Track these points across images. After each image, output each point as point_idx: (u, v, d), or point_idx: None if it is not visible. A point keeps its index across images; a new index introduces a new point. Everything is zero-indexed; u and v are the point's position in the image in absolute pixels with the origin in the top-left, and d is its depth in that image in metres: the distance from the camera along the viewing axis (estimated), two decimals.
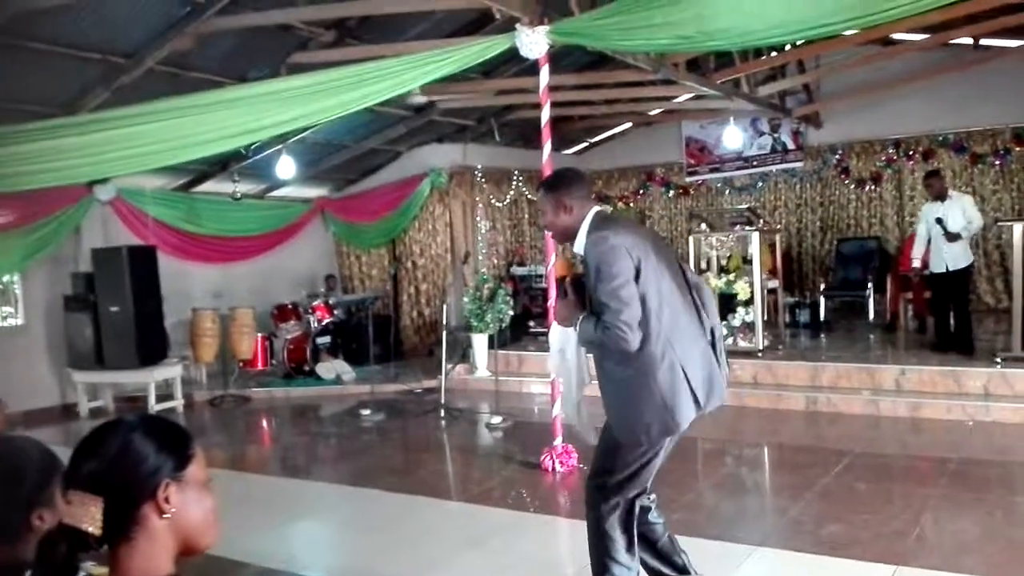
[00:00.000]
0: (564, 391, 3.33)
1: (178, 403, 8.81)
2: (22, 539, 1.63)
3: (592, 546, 3.06)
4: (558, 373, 3.26)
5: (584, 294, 2.93)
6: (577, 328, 2.89)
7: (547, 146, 5.76)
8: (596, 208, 3.05)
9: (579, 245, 2.99)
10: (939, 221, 7.37)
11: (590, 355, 3.11)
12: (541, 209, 3.08)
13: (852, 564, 3.66)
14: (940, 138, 10.66)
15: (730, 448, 6.24)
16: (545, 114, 5.81)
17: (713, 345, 2.98)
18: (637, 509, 3.02)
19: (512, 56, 6.66)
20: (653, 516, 3.15)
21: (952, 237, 7.29)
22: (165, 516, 1.29)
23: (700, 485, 5.38)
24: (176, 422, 1.39)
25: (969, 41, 9.51)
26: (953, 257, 7.38)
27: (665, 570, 3.16)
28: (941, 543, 3.90)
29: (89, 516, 1.23)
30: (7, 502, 1.61)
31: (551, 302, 5.70)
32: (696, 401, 2.86)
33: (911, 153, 10.86)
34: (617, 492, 2.97)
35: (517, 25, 5.53)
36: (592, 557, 3.07)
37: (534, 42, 5.50)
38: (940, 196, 7.59)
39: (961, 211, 7.44)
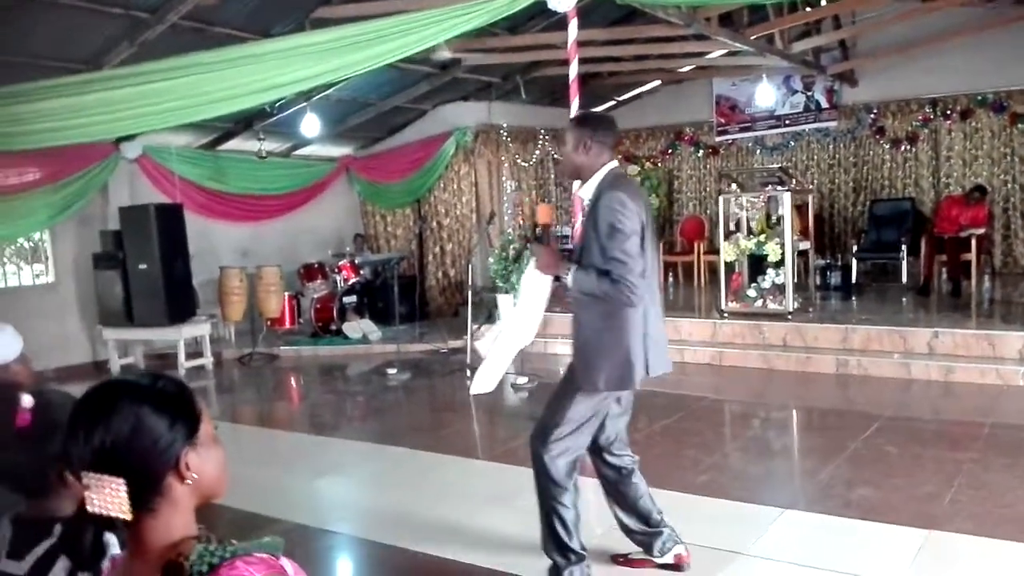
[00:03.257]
0: (513, 340, 3.26)
1: (207, 361, 8.89)
2: (54, 494, 1.61)
3: (539, 494, 3.12)
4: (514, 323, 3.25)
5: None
6: (571, 277, 2.95)
7: (575, 103, 5.65)
8: (614, 163, 3.09)
9: (586, 191, 3.07)
10: None
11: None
12: (560, 138, 3.08)
13: (883, 527, 3.61)
14: (979, 97, 10.34)
15: (758, 411, 6.19)
16: (573, 70, 5.68)
17: None
18: (578, 464, 3.12)
19: (539, 11, 6.52)
20: (636, 477, 3.26)
21: None
22: (187, 482, 1.26)
23: (727, 447, 5.34)
24: (177, 379, 1.34)
25: None
26: None
27: (643, 527, 3.27)
28: (974, 508, 3.82)
29: (116, 501, 1.19)
30: (41, 457, 1.60)
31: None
32: (647, 366, 3.01)
33: (948, 112, 10.56)
34: (561, 442, 3.03)
35: None
36: (539, 505, 3.14)
37: None
38: None
39: None
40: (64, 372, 8.38)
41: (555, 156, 11.73)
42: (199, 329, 8.88)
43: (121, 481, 1.19)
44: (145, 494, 1.22)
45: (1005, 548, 3.37)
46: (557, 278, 3.07)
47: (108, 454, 1.21)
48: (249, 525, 3.93)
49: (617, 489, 3.25)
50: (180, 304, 8.67)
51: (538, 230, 10.42)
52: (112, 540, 1.54)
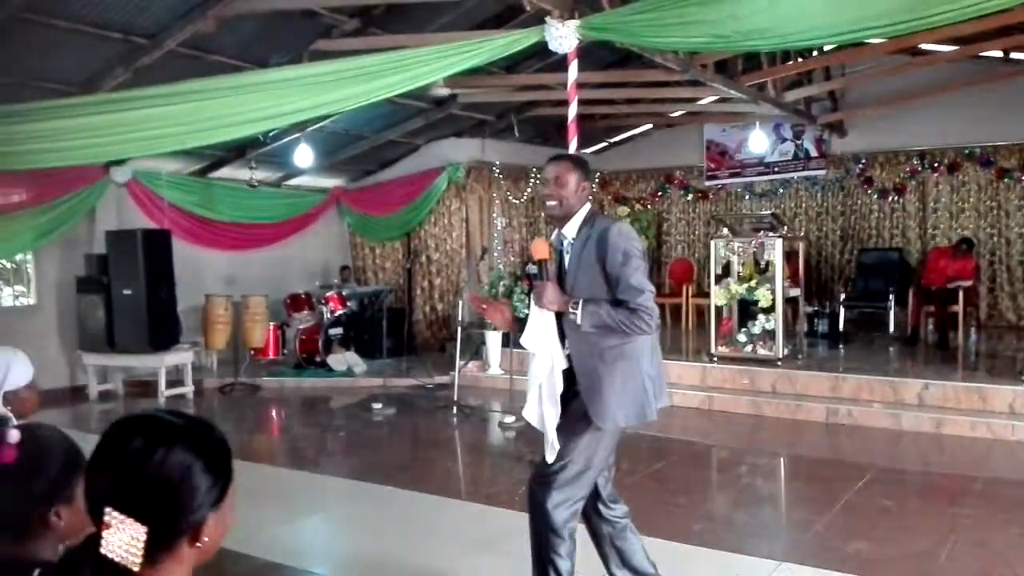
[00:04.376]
0: (548, 386, 3.03)
1: (188, 389, 8.74)
2: (35, 535, 1.52)
3: (535, 543, 2.99)
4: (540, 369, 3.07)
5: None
6: (580, 312, 2.84)
7: (573, 143, 5.65)
8: (590, 203, 3.12)
9: (570, 229, 3.03)
10: None
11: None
12: (557, 178, 3.00)
13: None
14: (966, 151, 10.49)
15: (749, 458, 6.11)
16: (572, 111, 5.70)
17: None
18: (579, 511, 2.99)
19: (536, 51, 6.56)
20: (631, 530, 3.15)
21: None
22: (197, 545, 1.18)
23: (720, 496, 5.27)
24: (224, 438, 1.25)
25: (999, 54, 9.35)
26: None
27: None
28: (973, 566, 3.76)
29: (133, 550, 1.10)
30: (24, 495, 1.51)
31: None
32: (657, 397, 2.98)
33: (936, 165, 10.69)
34: (566, 489, 2.90)
35: (547, 19, 5.41)
36: (534, 554, 3.00)
37: (564, 36, 5.38)
38: None
39: None
40: (41, 396, 8.18)
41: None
42: (181, 357, 8.74)
43: (144, 530, 1.11)
44: (156, 548, 1.14)
45: None
46: (559, 314, 2.96)
47: (144, 494, 1.13)
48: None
49: (613, 544, 3.12)
50: (163, 331, 8.53)
51: (530, 267, 10.41)
52: None
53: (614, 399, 2.88)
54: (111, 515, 1.11)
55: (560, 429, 2.97)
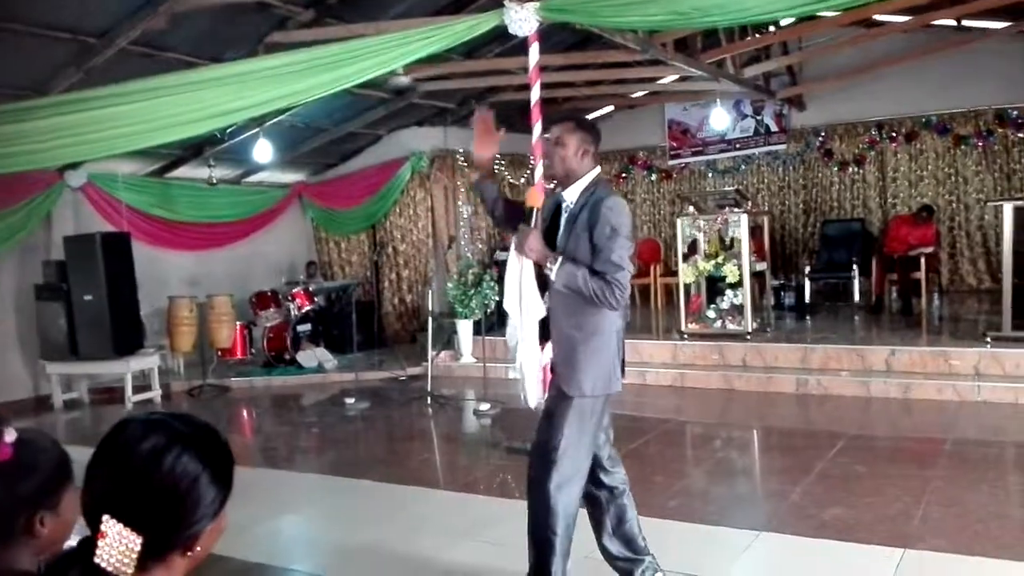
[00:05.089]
0: (526, 333, 3.05)
1: (155, 394, 8.61)
2: (17, 542, 1.47)
3: (532, 522, 2.96)
4: (513, 310, 3.06)
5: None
6: (556, 269, 2.84)
7: (537, 127, 5.61)
8: (599, 168, 3.08)
9: (571, 194, 3.01)
10: None
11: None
12: (558, 139, 2.98)
13: (859, 548, 3.59)
14: (923, 120, 10.65)
15: (723, 432, 6.17)
16: (535, 94, 5.64)
17: None
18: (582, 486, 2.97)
19: (495, 36, 6.52)
20: (627, 498, 3.15)
21: None
22: (188, 555, 1.16)
23: (696, 470, 5.31)
24: (228, 445, 1.21)
25: (952, 22, 9.48)
26: None
27: (626, 553, 3.15)
28: (947, 525, 3.83)
29: (126, 561, 1.07)
30: (14, 495, 1.45)
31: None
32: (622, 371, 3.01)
33: (894, 135, 10.85)
34: (566, 465, 2.88)
35: (506, 2, 5.36)
36: (531, 531, 2.97)
37: (523, 19, 5.32)
38: None
39: None
40: (4, 409, 8.01)
41: (511, 181, 11.71)
42: (147, 361, 8.59)
43: (139, 541, 1.07)
44: (150, 556, 1.11)
45: (982, 565, 3.37)
46: (539, 267, 2.93)
47: (148, 504, 1.09)
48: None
49: (609, 510, 3.11)
50: (127, 336, 8.38)
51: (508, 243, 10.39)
52: None
53: (585, 369, 2.88)
54: (108, 523, 1.07)
55: (547, 406, 3.00)
